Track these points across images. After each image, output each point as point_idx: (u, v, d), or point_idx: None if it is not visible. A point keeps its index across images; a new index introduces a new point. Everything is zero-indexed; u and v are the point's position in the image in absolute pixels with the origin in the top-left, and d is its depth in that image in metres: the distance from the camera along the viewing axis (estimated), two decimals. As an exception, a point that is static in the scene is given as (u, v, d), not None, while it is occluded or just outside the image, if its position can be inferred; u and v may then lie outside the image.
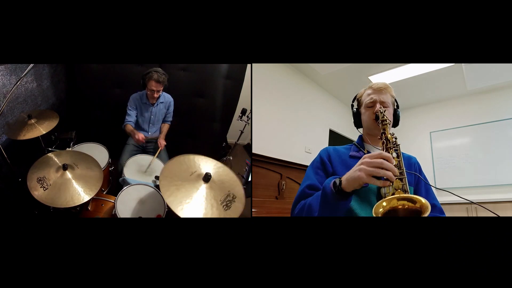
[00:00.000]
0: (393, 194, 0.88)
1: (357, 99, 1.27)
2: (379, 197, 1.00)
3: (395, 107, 1.22)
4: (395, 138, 1.01)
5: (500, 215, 1.00)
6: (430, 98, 4.19)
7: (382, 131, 1.04)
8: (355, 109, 1.27)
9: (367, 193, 1.02)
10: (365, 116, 1.20)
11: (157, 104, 2.39)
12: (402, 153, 1.17)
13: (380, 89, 1.18)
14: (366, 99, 1.20)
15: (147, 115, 2.39)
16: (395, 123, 1.22)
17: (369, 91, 1.20)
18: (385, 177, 0.82)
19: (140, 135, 2.23)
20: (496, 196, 3.49)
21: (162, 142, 2.38)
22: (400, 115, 1.23)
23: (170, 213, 1.45)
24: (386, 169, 0.81)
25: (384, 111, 1.08)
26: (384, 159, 0.83)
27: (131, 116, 2.33)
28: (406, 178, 0.91)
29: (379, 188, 1.01)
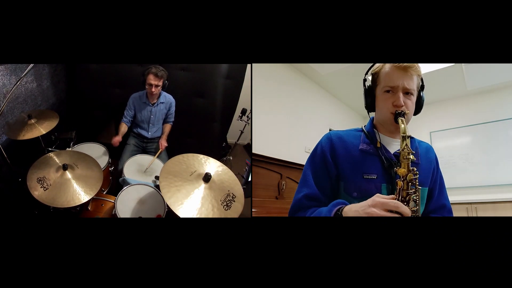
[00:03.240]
0: None
1: (372, 74, 1.00)
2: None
3: (420, 89, 0.98)
4: (416, 177, 0.85)
5: (500, 215, 1.00)
6: (430, 98, 4.17)
7: (402, 166, 0.86)
8: (368, 86, 1.00)
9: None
10: (381, 103, 0.96)
11: (157, 104, 2.39)
12: (420, 142, 1.05)
13: (406, 69, 0.91)
14: (385, 80, 0.94)
15: (147, 115, 2.39)
16: (418, 110, 1.00)
17: (390, 69, 0.94)
18: None
19: (115, 139, 2.23)
20: (496, 196, 3.49)
21: (163, 143, 2.38)
22: (424, 98, 1.00)
23: (170, 213, 1.46)
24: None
25: (409, 138, 0.85)
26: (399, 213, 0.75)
27: (126, 116, 2.35)
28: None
29: (388, 193, 0.90)
